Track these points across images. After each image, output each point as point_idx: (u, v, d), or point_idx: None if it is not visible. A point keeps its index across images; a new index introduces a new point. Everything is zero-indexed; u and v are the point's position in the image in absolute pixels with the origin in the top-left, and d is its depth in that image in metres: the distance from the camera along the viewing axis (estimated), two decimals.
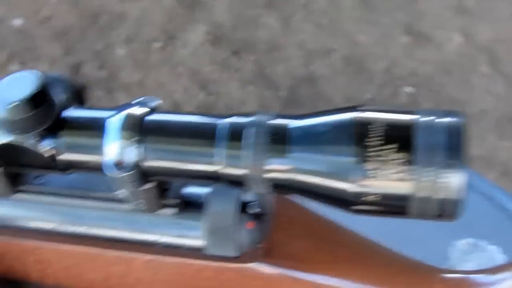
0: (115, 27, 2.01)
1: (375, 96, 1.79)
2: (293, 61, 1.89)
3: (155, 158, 0.41)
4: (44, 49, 1.99)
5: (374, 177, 0.38)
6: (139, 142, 0.41)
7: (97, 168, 0.43)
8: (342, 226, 0.51)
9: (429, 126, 0.38)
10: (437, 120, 0.38)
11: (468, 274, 0.49)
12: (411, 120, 0.38)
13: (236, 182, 0.42)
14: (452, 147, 0.37)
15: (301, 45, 1.92)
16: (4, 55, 1.99)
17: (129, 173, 0.41)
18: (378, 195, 0.39)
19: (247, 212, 0.47)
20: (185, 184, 0.48)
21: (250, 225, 0.47)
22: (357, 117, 0.39)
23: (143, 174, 0.42)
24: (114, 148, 0.41)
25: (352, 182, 0.38)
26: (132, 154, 0.41)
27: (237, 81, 1.85)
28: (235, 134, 0.40)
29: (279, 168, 0.40)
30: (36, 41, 2.01)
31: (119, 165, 0.41)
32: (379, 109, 0.39)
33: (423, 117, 0.38)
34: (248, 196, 0.47)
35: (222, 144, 0.40)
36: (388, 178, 0.38)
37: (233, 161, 0.40)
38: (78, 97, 0.47)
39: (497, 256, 0.76)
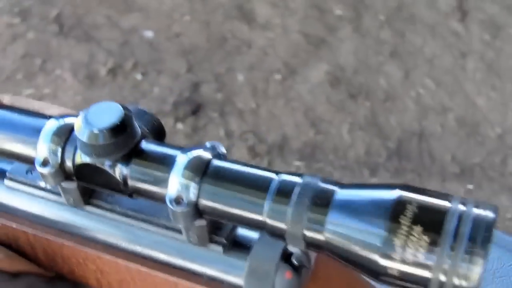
0: (240, 53, 2.46)
1: (483, 161, 2.16)
2: (407, 113, 2.27)
3: (211, 199, 0.53)
4: (168, 63, 2.45)
5: (400, 253, 0.46)
6: (200, 183, 0.53)
7: (159, 199, 0.55)
8: None
9: (460, 215, 0.46)
10: (468, 210, 0.46)
11: None
12: (444, 206, 0.47)
13: (278, 235, 0.52)
14: (476, 240, 0.45)
15: (417, 99, 2.31)
16: (130, 63, 2.46)
17: (186, 209, 0.53)
18: (401, 272, 0.47)
19: (288, 262, 0.58)
20: (237, 227, 0.60)
21: (288, 275, 0.57)
22: (399, 195, 0.48)
23: (198, 212, 0.53)
24: (177, 185, 0.53)
25: (380, 254, 0.47)
26: (191, 192, 0.53)
27: (349, 124, 2.25)
28: (283, 191, 0.51)
29: (315, 229, 0.50)
30: (162, 55, 2.48)
31: (178, 200, 0.53)
32: (421, 191, 0.48)
33: (456, 205, 0.47)
34: (292, 248, 0.58)
35: (270, 198, 0.51)
36: (411, 258, 0.46)
37: (276, 215, 0.51)
38: (159, 133, 0.60)
39: None
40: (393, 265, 0.47)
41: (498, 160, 2.16)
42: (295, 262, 0.58)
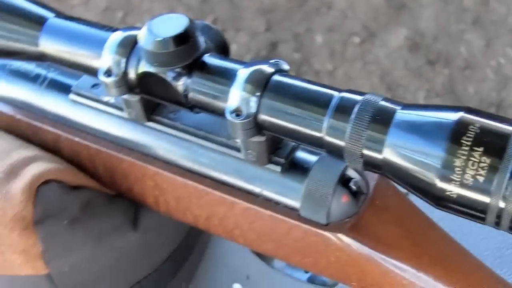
0: (320, 14, 2.45)
1: None
2: (486, 83, 2.24)
3: (269, 113, 0.53)
4: (247, 21, 2.47)
5: (459, 176, 0.46)
6: (260, 96, 0.53)
7: (219, 112, 0.55)
8: (438, 226, 0.60)
9: None
10: None
11: None
12: (508, 129, 0.45)
13: (336, 153, 0.52)
14: None
15: (498, 69, 2.28)
16: (209, 19, 2.49)
17: (245, 120, 0.53)
18: (459, 195, 0.46)
19: (346, 186, 0.58)
20: (297, 147, 0.60)
21: (345, 198, 0.58)
22: (462, 116, 0.47)
23: (257, 125, 0.54)
24: (237, 97, 0.53)
25: (438, 176, 0.46)
26: (250, 105, 0.53)
27: (425, 91, 2.24)
28: (343, 108, 0.51)
29: (374, 148, 0.50)
30: (242, 12, 2.50)
31: (237, 112, 0.53)
32: (485, 115, 0.47)
33: None
34: (351, 173, 0.59)
35: (330, 114, 0.51)
36: (470, 181, 0.45)
37: (335, 132, 0.51)
38: (223, 48, 0.60)
39: None
40: (451, 188, 0.46)
41: None
42: (353, 187, 0.59)
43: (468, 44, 2.35)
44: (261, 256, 0.70)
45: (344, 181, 0.58)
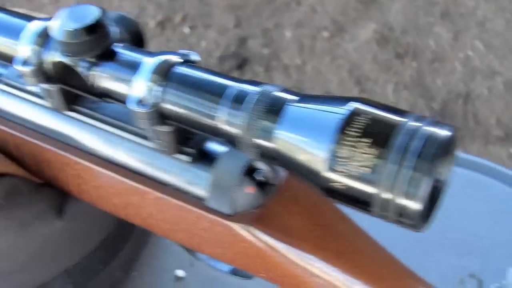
0: (289, 9, 2.46)
1: None
2: (454, 75, 2.25)
3: (171, 103, 0.54)
4: (217, 17, 2.47)
5: (345, 166, 0.46)
6: (162, 86, 0.53)
7: (124, 101, 0.55)
8: (349, 219, 0.60)
9: (413, 131, 0.44)
10: (422, 127, 0.44)
11: None
12: (397, 120, 0.45)
13: (233, 142, 0.53)
14: (425, 157, 0.43)
15: (466, 62, 2.28)
16: (179, 17, 2.50)
17: (148, 110, 0.54)
18: (344, 185, 0.46)
19: (252, 177, 0.59)
20: (207, 138, 0.60)
21: (250, 189, 0.58)
22: (351, 107, 0.47)
23: (161, 115, 0.54)
24: (141, 86, 0.54)
25: (324, 166, 0.46)
26: (153, 95, 0.54)
27: (394, 84, 2.24)
28: (239, 98, 0.51)
29: (266, 137, 0.50)
30: (211, 9, 2.50)
31: (141, 102, 0.54)
32: (378, 105, 0.47)
33: (411, 120, 0.45)
34: (260, 165, 0.59)
35: (226, 104, 0.51)
36: (356, 172, 0.45)
37: (231, 121, 0.51)
38: (138, 39, 0.61)
39: None
40: (338, 179, 0.46)
41: None
42: (259, 178, 0.59)
43: (437, 37, 2.36)
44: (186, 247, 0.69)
45: (250, 171, 0.59)
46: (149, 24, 2.48)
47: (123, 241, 0.79)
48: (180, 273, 0.83)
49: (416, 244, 0.84)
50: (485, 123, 2.13)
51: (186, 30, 2.46)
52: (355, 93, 2.21)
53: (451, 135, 0.44)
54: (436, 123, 0.45)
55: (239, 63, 2.33)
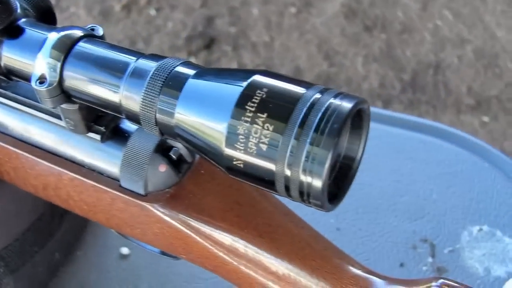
0: None
1: (500, 93, 2.12)
2: (423, 46, 2.24)
3: (72, 80, 0.52)
4: None
5: (243, 143, 0.44)
6: (62, 62, 0.52)
7: (29, 79, 0.54)
8: (270, 196, 0.58)
9: (312, 104, 0.42)
10: (323, 99, 0.42)
11: (378, 277, 0.55)
12: (296, 93, 0.43)
13: (134, 119, 0.51)
14: (324, 131, 0.41)
15: (435, 31, 2.27)
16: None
17: (48, 88, 0.52)
18: (245, 163, 0.45)
19: (165, 155, 0.57)
20: (119, 117, 0.57)
21: (162, 168, 0.57)
22: (250, 81, 0.45)
23: (64, 93, 0.53)
24: (42, 63, 0.52)
25: (223, 144, 0.45)
26: (54, 72, 0.52)
27: (363, 57, 2.23)
28: (138, 73, 0.50)
29: (166, 114, 0.48)
30: None
31: (41, 79, 0.52)
32: (279, 78, 0.45)
33: (311, 93, 0.43)
34: (173, 143, 0.57)
35: (125, 80, 0.50)
36: (254, 149, 0.43)
37: (130, 97, 0.50)
38: (46, 14, 0.58)
39: (511, 249, 0.81)
40: (238, 156, 0.45)
41: None
42: (173, 156, 0.57)
43: (405, 8, 2.34)
44: None
45: (163, 149, 0.57)
46: (115, 8, 2.45)
47: (59, 221, 0.77)
48: (124, 250, 0.82)
49: (366, 210, 0.83)
50: (456, 92, 2.11)
51: (152, 12, 2.43)
52: (324, 67, 2.19)
53: (352, 107, 0.42)
54: (339, 95, 0.43)
55: (206, 43, 2.30)
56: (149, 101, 0.49)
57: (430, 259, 0.80)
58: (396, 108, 2.10)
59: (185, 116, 0.47)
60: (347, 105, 0.42)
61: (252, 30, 2.33)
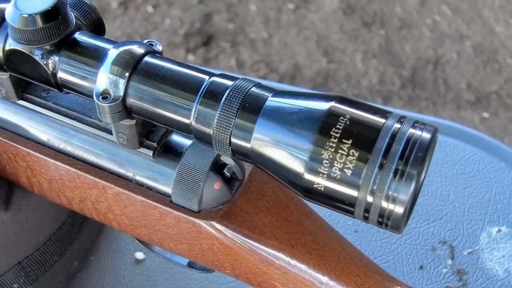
0: None
1: (500, 89, 2.11)
2: (422, 41, 2.23)
3: (137, 97, 0.51)
4: None
5: (327, 168, 0.44)
6: (127, 78, 0.51)
7: (87, 94, 0.54)
8: (316, 215, 0.59)
9: (394, 133, 0.43)
10: (404, 129, 0.44)
11: None
12: (379, 121, 0.44)
13: (205, 140, 0.50)
14: (408, 160, 0.43)
15: (433, 27, 2.26)
16: None
17: (111, 104, 0.51)
18: (327, 188, 0.45)
19: (219, 173, 0.57)
20: (171, 132, 0.58)
21: (217, 185, 0.56)
22: (332, 106, 0.45)
23: (125, 109, 0.52)
24: (105, 79, 0.51)
25: (305, 168, 0.45)
26: (118, 87, 0.51)
27: (362, 53, 2.21)
28: (212, 94, 0.49)
29: (242, 136, 0.48)
30: None
31: (105, 94, 0.51)
32: (358, 105, 0.46)
33: (392, 122, 0.44)
34: (226, 160, 0.58)
35: (198, 100, 0.49)
36: (338, 174, 0.44)
37: (203, 118, 0.49)
38: (97, 25, 0.58)
39: None
40: (319, 181, 0.45)
41: None
42: (226, 173, 0.57)
43: (403, 3, 2.33)
44: (142, 242, 0.66)
45: (217, 167, 0.57)
46: (112, 4, 2.42)
47: (78, 230, 0.76)
48: (139, 255, 0.81)
49: None
50: (455, 88, 2.10)
51: (149, 8, 2.41)
52: (323, 64, 2.18)
53: (431, 137, 0.44)
54: (416, 124, 0.44)
55: (205, 40, 2.28)
56: (225, 123, 0.49)
57: (449, 261, 0.78)
58: (396, 104, 2.09)
59: (263, 140, 0.47)
60: (426, 135, 0.44)
61: (250, 27, 2.31)
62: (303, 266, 0.56)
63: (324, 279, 0.55)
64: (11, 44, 0.54)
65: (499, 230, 0.82)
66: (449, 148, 0.87)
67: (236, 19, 2.34)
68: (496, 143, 0.89)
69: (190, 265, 0.65)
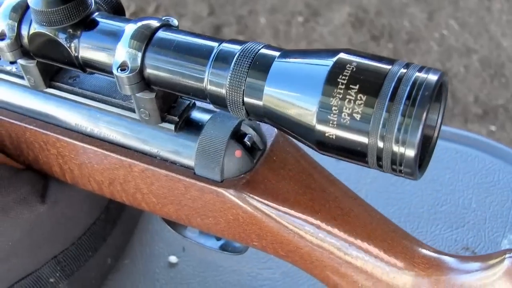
0: None
1: (507, 102, 2.14)
2: (430, 55, 2.26)
3: (154, 67, 0.54)
4: (190, 6, 2.46)
5: (336, 115, 0.46)
6: (144, 50, 0.53)
7: (108, 70, 0.56)
8: (339, 182, 0.60)
9: (400, 76, 0.44)
10: (409, 72, 0.45)
11: (447, 256, 0.56)
12: (384, 67, 0.45)
13: (219, 102, 0.53)
14: (414, 101, 0.44)
15: (441, 41, 2.29)
16: (153, 6, 2.48)
17: (130, 74, 0.54)
18: (337, 136, 0.46)
19: (240, 142, 0.59)
20: (192, 106, 0.61)
21: (238, 153, 0.58)
22: (338, 57, 0.47)
23: (143, 80, 0.55)
24: (123, 52, 0.54)
25: (315, 118, 0.47)
26: (135, 59, 0.54)
27: None
28: (223, 57, 0.52)
29: (254, 95, 0.50)
30: None
31: (123, 66, 0.54)
32: (364, 54, 0.47)
33: (398, 67, 0.45)
34: (246, 129, 0.59)
35: (210, 64, 0.52)
36: (348, 119, 0.45)
37: (216, 81, 0.52)
38: (115, 7, 0.61)
39: None
40: (330, 130, 0.46)
41: None
42: (247, 142, 0.59)
43: (411, 17, 2.36)
44: (174, 226, 0.69)
45: (238, 136, 0.59)
46: None
47: (112, 226, 0.78)
48: (172, 259, 0.83)
49: (408, 219, 0.84)
50: (463, 101, 2.13)
51: None
52: None
53: (438, 78, 0.44)
54: (423, 69, 0.45)
55: None
56: (236, 83, 0.51)
57: None
58: None
59: (274, 96, 0.49)
60: (433, 77, 0.44)
61: (260, 39, 2.34)
62: (328, 231, 0.57)
63: (350, 244, 0.56)
64: (35, 28, 0.57)
65: None
66: (470, 159, 0.90)
67: (246, 31, 2.37)
68: None
69: (222, 247, 0.67)
